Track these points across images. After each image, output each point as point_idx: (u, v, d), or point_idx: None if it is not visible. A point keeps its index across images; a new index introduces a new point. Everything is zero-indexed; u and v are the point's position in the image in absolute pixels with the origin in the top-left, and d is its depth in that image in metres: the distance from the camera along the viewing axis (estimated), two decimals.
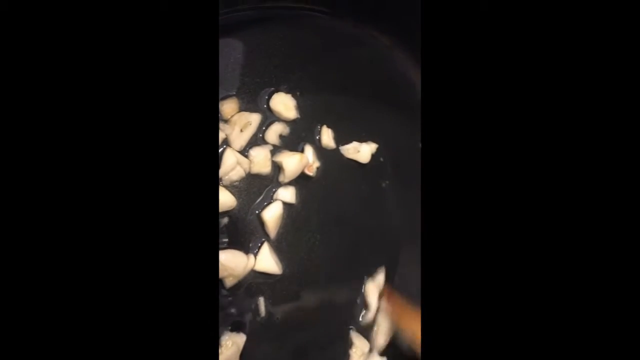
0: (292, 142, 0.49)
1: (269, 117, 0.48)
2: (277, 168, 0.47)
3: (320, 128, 0.50)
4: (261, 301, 0.45)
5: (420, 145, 0.53)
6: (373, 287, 0.49)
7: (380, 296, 0.49)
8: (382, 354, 0.49)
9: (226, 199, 0.44)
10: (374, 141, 0.52)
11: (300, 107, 0.49)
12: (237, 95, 0.47)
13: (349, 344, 0.49)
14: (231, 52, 0.48)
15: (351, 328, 0.49)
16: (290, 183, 0.48)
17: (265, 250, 0.45)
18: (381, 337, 0.49)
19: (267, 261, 0.45)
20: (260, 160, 0.46)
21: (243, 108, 0.47)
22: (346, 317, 0.49)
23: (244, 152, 0.46)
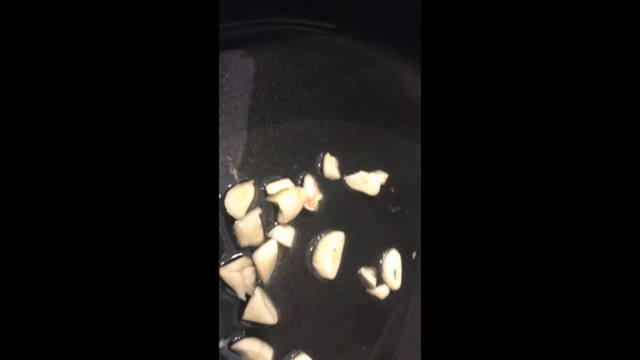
0: (290, 171, 0.43)
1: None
2: (274, 208, 0.42)
3: (323, 156, 0.44)
4: None
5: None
6: None
7: None
8: None
9: None
10: (383, 170, 0.46)
11: (299, 133, 0.44)
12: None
13: None
14: (224, 72, 0.43)
15: None
16: (289, 223, 0.42)
17: (258, 297, 0.39)
18: None
19: (259, 309, 0.39)
20: (250, 230, 0.40)
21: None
22: None
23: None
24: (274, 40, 0.45)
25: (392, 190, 0.47)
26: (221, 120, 0.42)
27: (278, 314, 0.41)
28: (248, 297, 0.39)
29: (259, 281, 0.40)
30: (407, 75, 0.49)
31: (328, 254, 0.42)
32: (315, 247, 0.43)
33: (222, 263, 0.39)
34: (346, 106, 0.46)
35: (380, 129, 0.48)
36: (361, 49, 0.48)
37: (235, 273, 0.38)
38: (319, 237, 0.43)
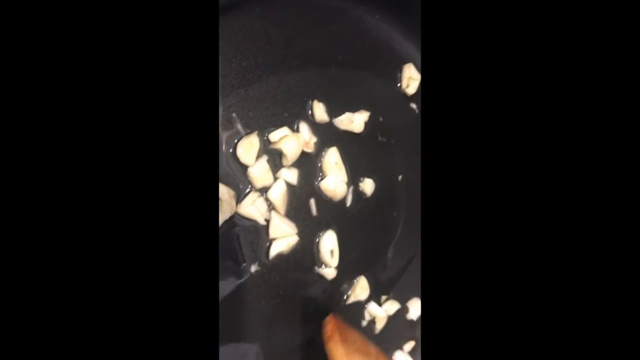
0: (285, 120, 0.49)
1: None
2: (278, 153, 0.48)
3: (312, 103, 0.50)
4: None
5: (415, 107, 0.55)
6: None
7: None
8: None
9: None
10: (365, 109, 0.53)
11: (289, 84, 0.50)
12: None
13: None
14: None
15: None
16: (292, 164, 0.49)
17: (275, 217, 0.47)
18: None
19: (279, 225, 0.47)
20: (262, 174, 0.47)
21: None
22: None
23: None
24: (253, 4, 0.50)
25: (375, 126, 0.53)
26: (220, 83, 0.47)
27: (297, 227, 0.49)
28: (267, 221, 0.47)
29: (272, 207, 0.47)
30: (374, 20, 0.55)
31: (332, 168, 0.50)
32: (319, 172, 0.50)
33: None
34: (325, 55, 0.52)
35: (358, 71, 0.53)
36: (330, 1, 0.53)
37: (249, 207, 0.46)
38: (318, 164, 0.50)
